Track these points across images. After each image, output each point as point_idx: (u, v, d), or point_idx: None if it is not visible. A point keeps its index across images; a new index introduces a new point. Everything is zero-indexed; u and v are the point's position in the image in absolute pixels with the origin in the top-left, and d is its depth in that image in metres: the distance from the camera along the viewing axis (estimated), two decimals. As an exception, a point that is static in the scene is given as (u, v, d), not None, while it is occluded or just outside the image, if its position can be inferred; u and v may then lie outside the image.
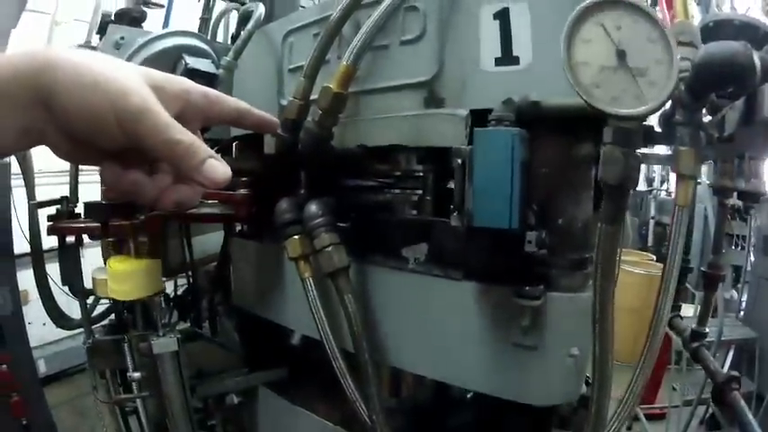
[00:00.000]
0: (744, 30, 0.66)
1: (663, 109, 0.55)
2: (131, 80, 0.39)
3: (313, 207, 0.74)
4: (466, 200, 0.59)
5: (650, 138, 0.61)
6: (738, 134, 0.59)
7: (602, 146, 0.46)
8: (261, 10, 0.98)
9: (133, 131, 0.38)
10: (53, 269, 1.48)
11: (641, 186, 4.99)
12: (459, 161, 0.59)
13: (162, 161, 0.43)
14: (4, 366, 1.81)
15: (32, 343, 2.00)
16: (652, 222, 4.86)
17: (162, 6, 2.05)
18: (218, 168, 0.40)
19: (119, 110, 0.37)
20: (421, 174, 0.80)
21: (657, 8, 1.39)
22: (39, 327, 2.39)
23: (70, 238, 1.23)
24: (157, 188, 0.42)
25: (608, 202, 0.48)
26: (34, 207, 1.55)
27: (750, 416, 0.88)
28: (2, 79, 0.36)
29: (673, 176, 0.57)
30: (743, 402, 0.89)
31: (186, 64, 0.93)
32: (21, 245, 1.79)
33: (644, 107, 0.42)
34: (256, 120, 0.51)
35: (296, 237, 0.76)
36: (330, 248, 0.71)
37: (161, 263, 0.97)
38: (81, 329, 1.50)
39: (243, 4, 1.26)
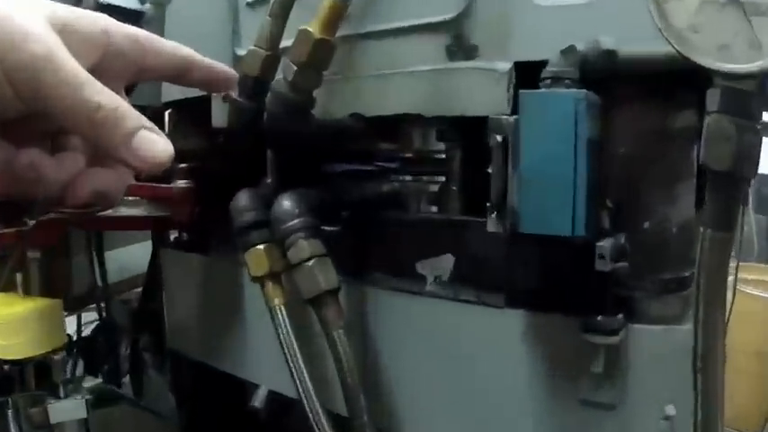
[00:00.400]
0: None
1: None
2: (28, 19, 0.40)
3: (285, 203, 0.76)
4: (508, 194, 0.60)
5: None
6: None
7: (706, 116, 0.48)
8: None
9: (31, 92, 0.39)
10: None
11: (769, 170, 4.99)
12: (499, 138, 0.61)
13: (72, 134, 0.44)
14: None
15: None
16: (787, 223, 4.87)
17: None
18: (157, 143, 0.41)
19: (10, 62, 0.38)
20: (443, 155, 0.82)
21: None
22: None
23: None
24: (66, 173, 0.43)
25: (714, 197, 0.50)
26: None
27: None
28: None
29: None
30: None
31: (96, -4, 0.95)
32: None
33: (763, 60, 0.44)
34: (205, 72, 0.52)
35: (261, 246, 0.78)
36: (312, 263, 0.73)
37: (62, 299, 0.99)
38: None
39: None
